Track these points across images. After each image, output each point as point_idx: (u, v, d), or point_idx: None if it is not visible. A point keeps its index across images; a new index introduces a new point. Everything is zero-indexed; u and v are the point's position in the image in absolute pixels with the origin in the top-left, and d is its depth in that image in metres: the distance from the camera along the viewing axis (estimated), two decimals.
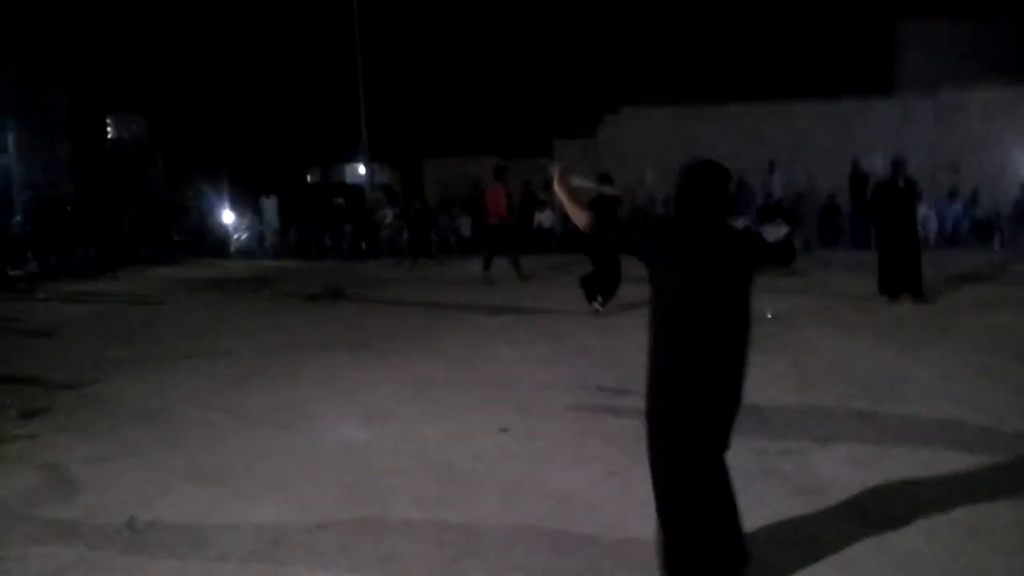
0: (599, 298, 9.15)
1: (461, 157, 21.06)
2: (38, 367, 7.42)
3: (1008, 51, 19.40)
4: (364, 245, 18.04)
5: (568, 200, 3.60)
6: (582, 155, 18.31)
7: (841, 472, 4.34)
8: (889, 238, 9.78)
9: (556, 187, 3.67)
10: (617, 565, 3.40)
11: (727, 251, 3.06)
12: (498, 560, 3.48)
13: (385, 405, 5.93)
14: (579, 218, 3.45)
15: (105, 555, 3.61)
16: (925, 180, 14.19)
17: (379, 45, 21.96)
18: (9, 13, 18.00)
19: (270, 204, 19.41)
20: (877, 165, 14.90)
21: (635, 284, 9.32)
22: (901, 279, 9.56)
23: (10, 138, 19.46)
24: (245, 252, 18.58)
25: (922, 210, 13.45)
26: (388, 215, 18.24)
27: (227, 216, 19.98)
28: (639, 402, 5.59)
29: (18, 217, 16.77)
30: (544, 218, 18.00)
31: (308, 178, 32.20)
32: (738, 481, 3.17)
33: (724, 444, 3.13)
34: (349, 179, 31.52)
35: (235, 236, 19.14)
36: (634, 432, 4.95)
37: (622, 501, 4.06)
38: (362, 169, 27.15)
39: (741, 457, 3.17)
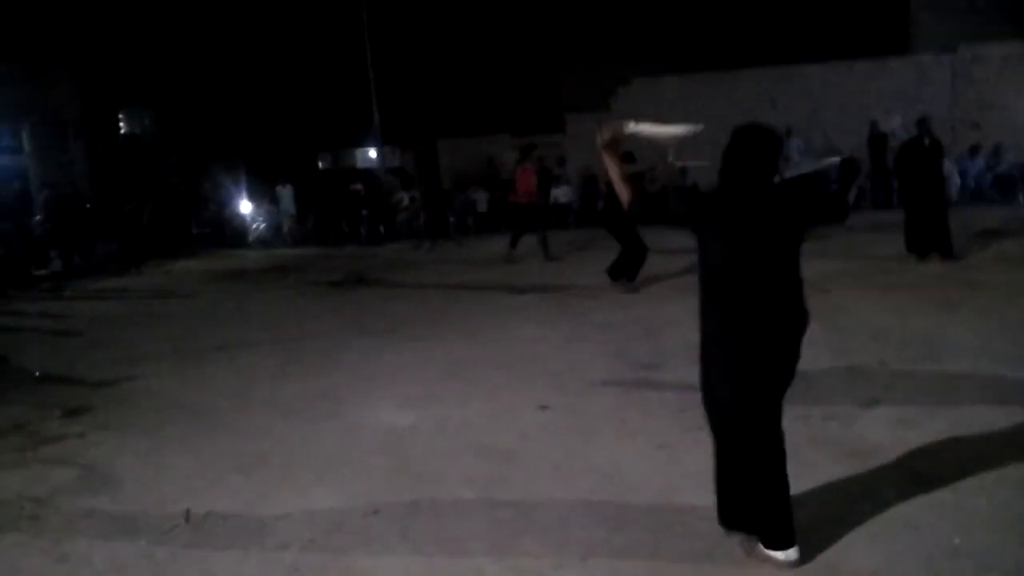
0: (625, 280, 9.14)
1: (475, 138, 20.97)
2: (75, 366, 7.48)
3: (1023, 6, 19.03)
4: (382, 229, 18.07)
5: (615, 167, 3.42)
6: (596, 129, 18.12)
7: (888, 434, 4.35)
8: (915, 197, 9.71)
9: (604, 156, 3.42)
10: (672, 536, 3.41)
11: (775, 214, 3.03)
12: (554, 537, 3.50)
13: (423, 388, 5.95)
14: (624, 193, 3.36)
15: (168, 550, 3.64)
16: (945, 138, 14.02)
17: (387, 28, 21.77)
18: (12, 12, 17.92)
19: (286, 192, 19.41)
20: (895, 125, 14.72)
21: (654, 257, 9.32)
22: (929, 238, 9.50)
23: (25, 137, 19.48)
24: (264, 242, 18.65)
25: (945, 167, 13.29)
26: (404, 198, 18.24)
27: (245, 206, 20.02)
28: (674, 375, 5.65)
29: (38, 216, 16.81)
30: (560, 193, 17.88)
31: (320, 164, 32.17)
32: (787, 449, 3.17)
33: (778, 410, 3.13)
34: (360, 164, 31.47)
35: (253, 226, 19.19)
36: (677, 404, 4.98)
37: (671, 472, 4.08)
38: (373, 153, 27.07)
39: (786, 424, 3.16)
